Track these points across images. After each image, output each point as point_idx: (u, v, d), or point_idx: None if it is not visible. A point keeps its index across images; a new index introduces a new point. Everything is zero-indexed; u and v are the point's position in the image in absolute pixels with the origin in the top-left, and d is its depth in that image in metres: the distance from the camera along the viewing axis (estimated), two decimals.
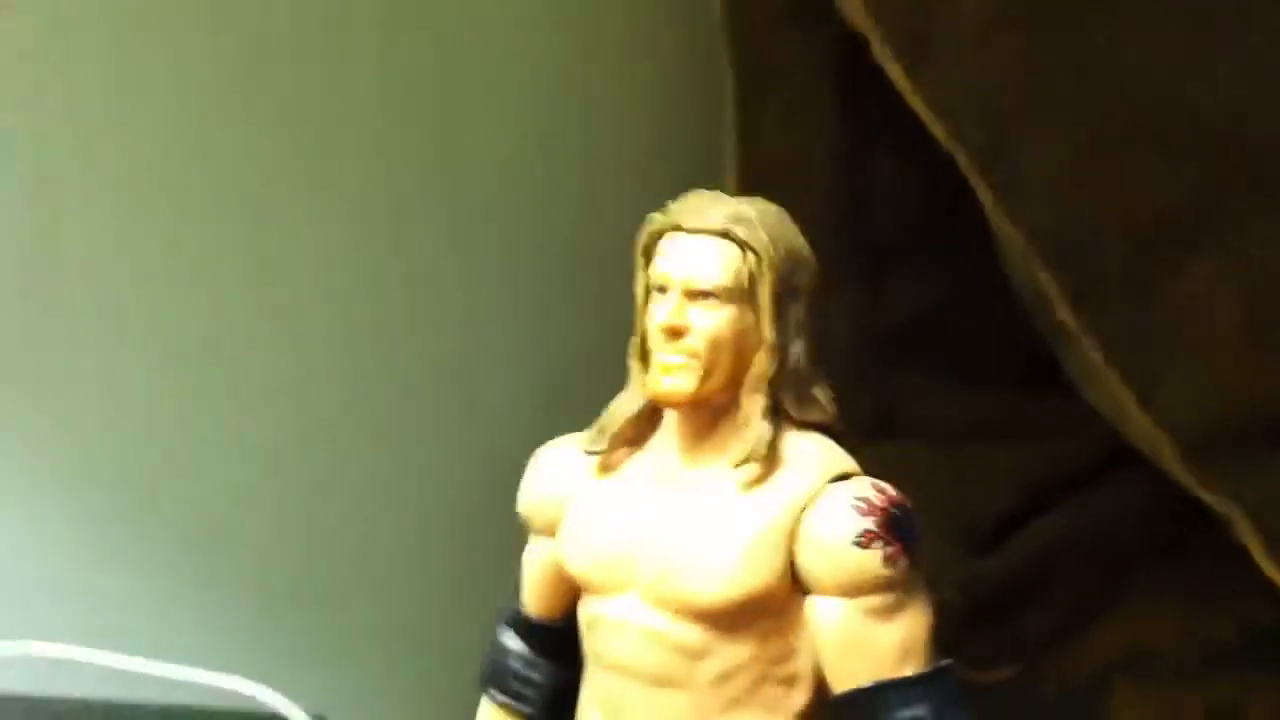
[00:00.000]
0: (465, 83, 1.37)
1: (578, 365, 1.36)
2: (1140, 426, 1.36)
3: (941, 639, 0.78)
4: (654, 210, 0.79)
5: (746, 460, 0.76)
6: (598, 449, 0.80)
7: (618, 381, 0.81)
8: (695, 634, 0.76)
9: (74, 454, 1.18)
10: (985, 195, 1.33)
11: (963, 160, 1.32)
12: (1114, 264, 1.32)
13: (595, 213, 1.43)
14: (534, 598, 0.84)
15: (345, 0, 1.30)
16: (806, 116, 1.43)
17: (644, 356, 0.79)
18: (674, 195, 0.79)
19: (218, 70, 1.21)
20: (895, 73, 1.31)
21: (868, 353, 1.47)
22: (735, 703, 0.77)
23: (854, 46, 1.36)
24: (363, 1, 1.31)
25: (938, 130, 1.32)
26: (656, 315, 0.77)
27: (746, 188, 1.27)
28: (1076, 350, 1.38)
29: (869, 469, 0.78)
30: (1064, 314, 1.34)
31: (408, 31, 1.34)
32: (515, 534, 0.86)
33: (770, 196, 0.81)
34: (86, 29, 1.15)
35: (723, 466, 0.77)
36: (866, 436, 0.81)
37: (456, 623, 1.11)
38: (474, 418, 1.39)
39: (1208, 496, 1.35)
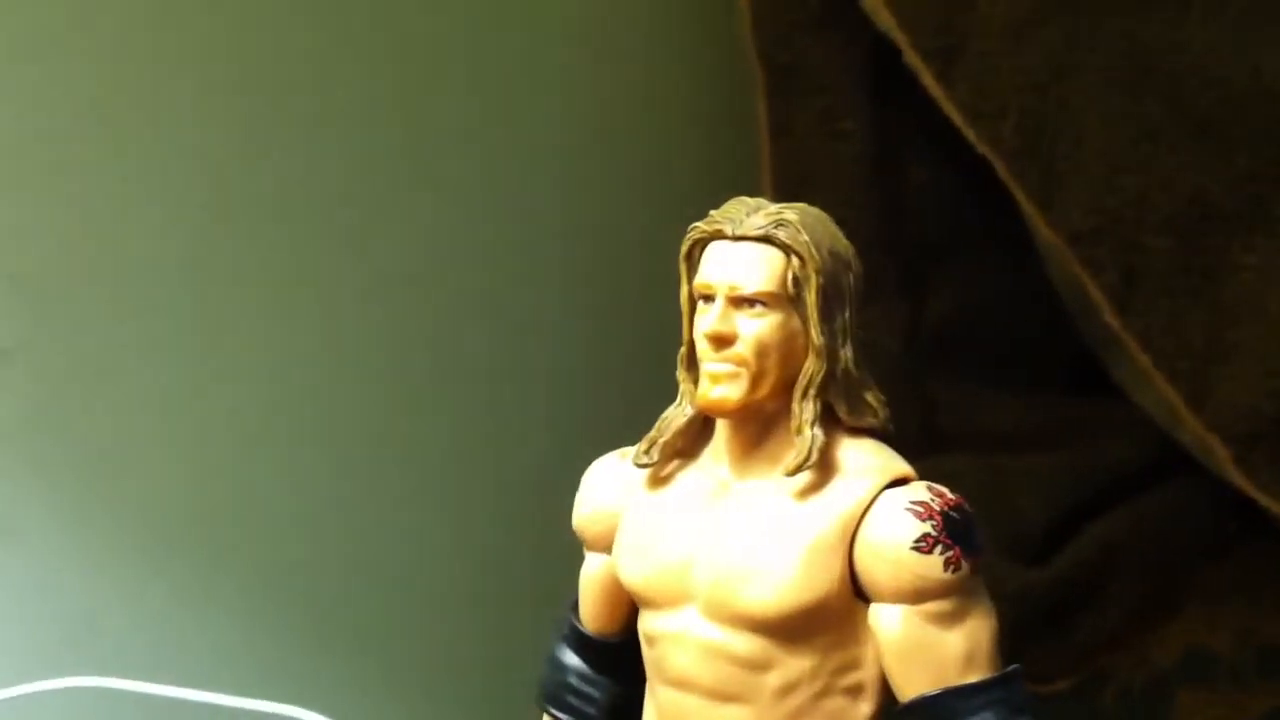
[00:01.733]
0: (500, 94, 1.37)
1: (621, 378, 1.36)
2: (1191, 429, 1.35)
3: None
4: (694, 219, 0.78)
5: (799, 468, 0.75)
6: (649, 462, 0.78)
7: (661, 393, 0.80)
8: (756, 646, 0.75)
9: (125, 490, 1.18)
10: (1023, 199, 1.33)
11: (998, 164, 1.32)
12: (1158, 263, 1.31)
13: (636, 223, 1.42)
14: (591, 614, 0.83)
15: (376, 5, 1.30)
16: (837, 126, 1.42)
17: (692, 367, 0.78)
18: (713, 204, 0.79)
19: (248, 81, 1.22)
20: (927, 78, 1.31)
21: (912, 363, 1.47)
22: (800, 714, 0.75)
23: (885, 53, 1.36)
24: (395, 8, 1.31)
25: (971, 135, 1.31)
26: (702, 324, 0.76)
27: (781, 198, 1.27)
28: (1124, 354, 1.37)
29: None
30: (1109, 317, 1.33)
31: (448, 38, 1.34)
32: (566, 556, 0.86)
33: None
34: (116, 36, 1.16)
35: (776, 475, 0.76)
36: (913, 449, 0.80)
37: (510, 649, 1.10)
38: (518, 437, 1.39)
39: (1262, 498, 1.34)
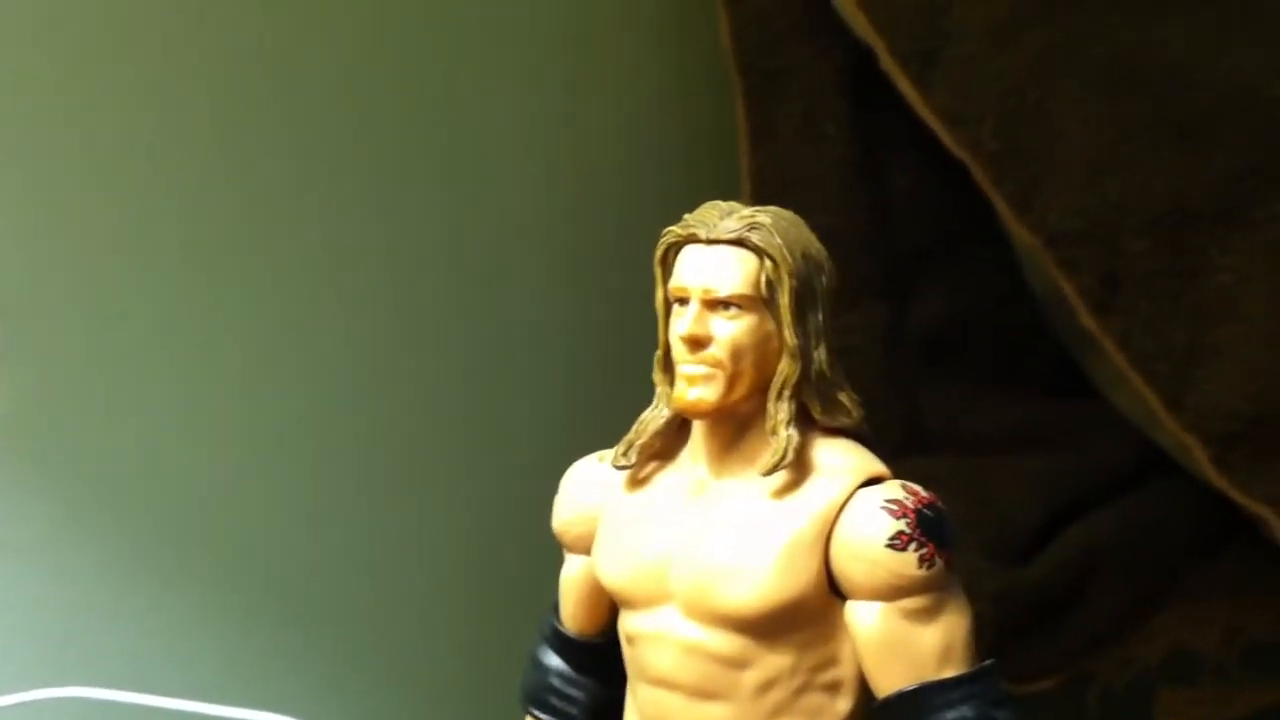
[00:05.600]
0: (479, 99, 1.37)
1: (599, 381, 1.36)
2: (1169, 430, 1.35)
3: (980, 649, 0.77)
4: (670, 224, 0.79)
5: (775, 467, 0.76)
6: (627, 464, 0.79)
7: (638, 396, 0.81)
8: (735, 644, 0.76)
9: (105, 503, 1.18)
10: (1000, 202, 1.33)
11: (976, 168, 1.32)
12: (1137, 265, 1.32)
13: (614, 227, 1.43)
14: (572, 615, 0.84)
15: (360, 9, 1.31)
16: (818, 131, 1.43)
17: (668, 369, 0.79)
18: (690, 208, 0.79)
19: (230, 78, 1.22)
20: (903, 84, 1.31)
21: (895, 367, 1.47)
22: (779, 711, 0.76)
23: (864, 59, 1.37)
24: (383, 12, 1.32)
25: (948, 139, 1.32)
26: (678, 327, 0.77)
27: (762, 203, 1.28)
28: (1101, 355, 1.38)
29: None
30: (1086, 319, 1.33)
31: (429, 43, 1.34)
32: (547, 558, 0.86)
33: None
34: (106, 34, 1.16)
35: (752, 475, 0.77)
36: (896, 451, 0.81)
37: (489, 652, 1.10)
38: (496, 441, 1.39)
39: (1240, 498, 1.34)
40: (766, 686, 0.76)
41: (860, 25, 1.33)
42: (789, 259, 0.76)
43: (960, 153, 1.32)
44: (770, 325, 0.76)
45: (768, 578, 0.75)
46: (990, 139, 1.32)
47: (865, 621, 0.75)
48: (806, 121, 1.43)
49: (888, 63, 1.32)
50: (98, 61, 1.17)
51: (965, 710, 0.74)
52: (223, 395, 1.24)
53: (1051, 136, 1.33)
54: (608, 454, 0.81)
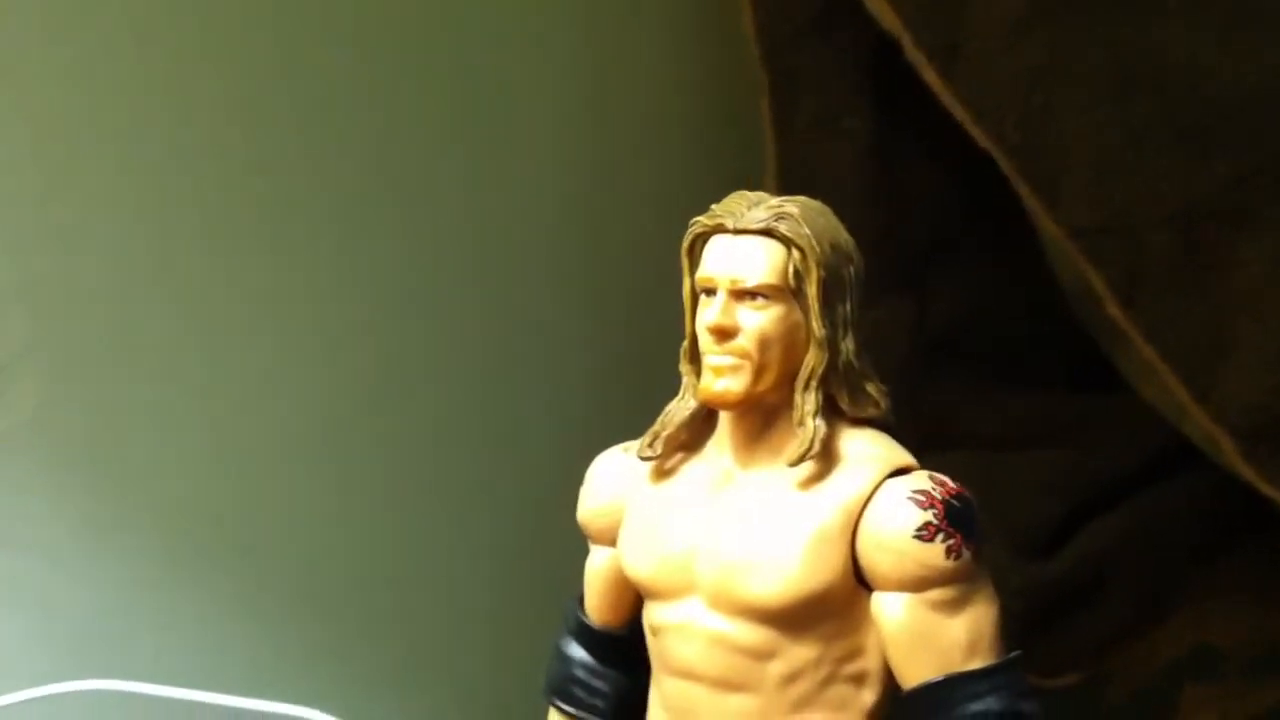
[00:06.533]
0: (500, 94, 1.38)
1: (620, 375, 1.36)
2: (1198, 422, 1.35)
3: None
4: (697, 214, 0.79)
5: (802, 458, 0.76)
6: (653, 455, 0.79)
7: (664, 387, 0.81)
8: (760, 635, 0.76)
9: (131, 497, 1.19)
10: (1026, 195, 1.33)
11: (1001, 160, 1.32)
12: (1160, 258, 1.31)
13: (638, 218, 1.43)
14: (597, 606, 0.83)
15: (380, 7, 1.31)
16: (841, 122, 1.43)
17: (695, 360, 0.78)
18: (715, 200, 0.79)
19: (250, 79, 1.22)
20: (929, 76, 1.31)
21: (917, 361, 1.47)
22: (804, 703, 0.76)
23: (887, 51, 1.36)
24: (403, 10, 1.32)
25: (974, 131, 1.31)
26: (705, 317, 0.77)
27: (784, 194, 1.28)
28: (1128, 347, 1.37)
29: None
30: (1113, 310, 1.33)
31: (447, 36, 1.35)
32: (570, 550, 0.86)
33: None
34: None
35: (778, 466, 0.77)
36: (916, 446, 0.80)
37: (513, 644, 1.10)
38: (519, 435, 1.40)
39: (1269, 491, 1.34)
40: (792, 678, 0.76)
41: (887, 19, 1.33)
42: (817, 249, 0.76)
43: (986, 145, 1.31)
44: (798, 315, 0.76)
45: (794, 569, 0.75)
46: (1014, 132, 1.32)
47: (892, 613, 0.75)
48: (828, 116, 1.42)
49: (914, 55, 1.31)
50: (122, 69, 1.17)
51: (992, 702, 0.74)
52: (249, 395, 1.25)
53: (1073, 130, 1.32)
54: (633, 445, 0.81)
